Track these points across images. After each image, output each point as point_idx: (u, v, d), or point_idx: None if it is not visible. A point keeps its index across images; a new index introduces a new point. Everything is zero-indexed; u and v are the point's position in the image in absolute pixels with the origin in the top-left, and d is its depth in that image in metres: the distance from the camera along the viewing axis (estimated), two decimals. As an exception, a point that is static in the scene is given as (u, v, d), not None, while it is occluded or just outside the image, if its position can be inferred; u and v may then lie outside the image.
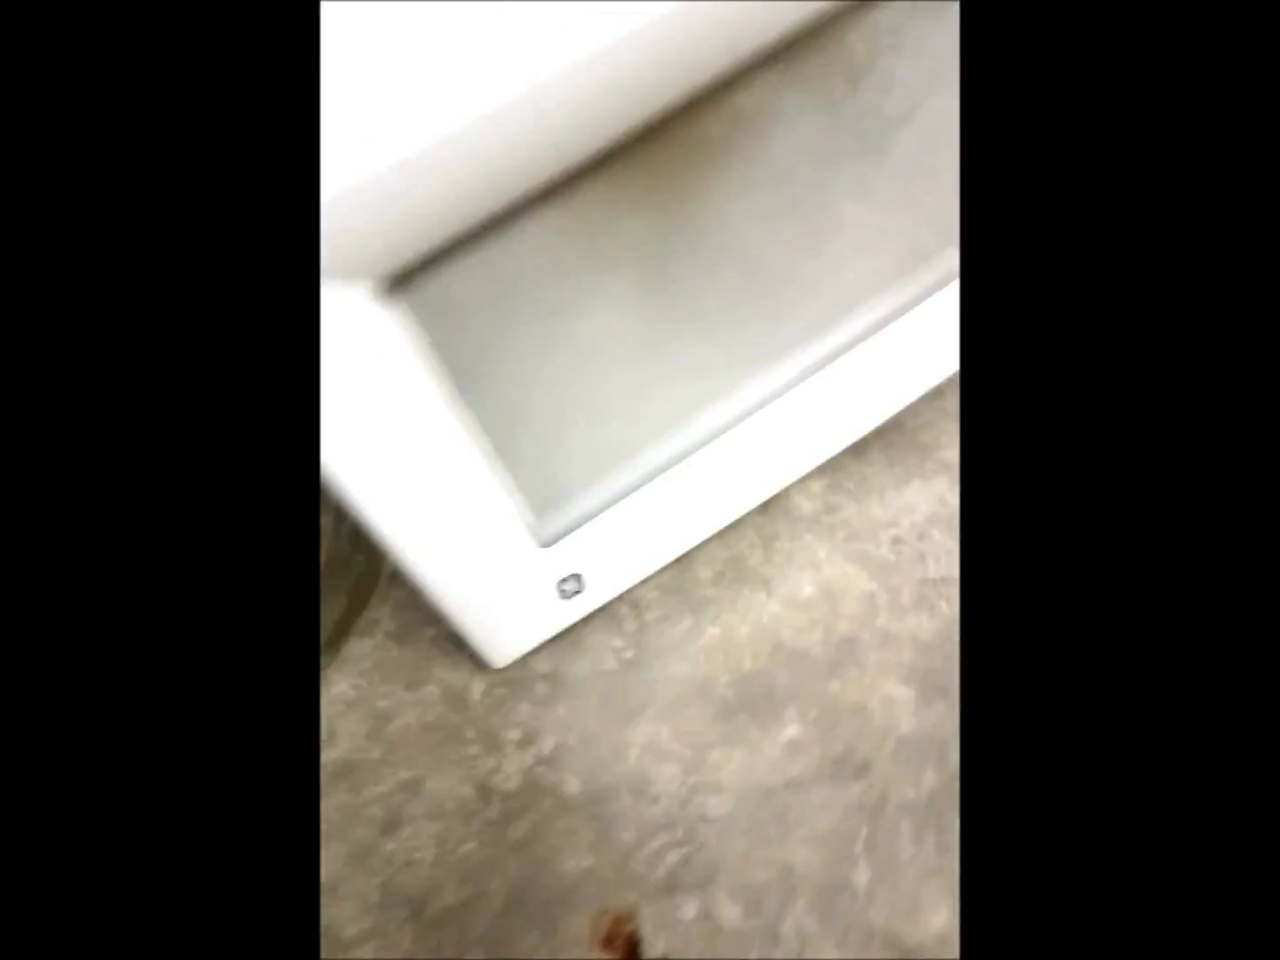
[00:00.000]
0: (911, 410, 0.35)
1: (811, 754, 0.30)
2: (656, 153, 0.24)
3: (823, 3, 0.22)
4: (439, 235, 0.21)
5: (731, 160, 0.25)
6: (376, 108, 0.18)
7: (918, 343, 0.33)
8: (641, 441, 0.31)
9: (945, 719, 0.30)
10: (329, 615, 0.38)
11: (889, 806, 0.29)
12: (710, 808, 0.30)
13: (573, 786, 0.32)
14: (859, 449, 0.35)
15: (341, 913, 0.31)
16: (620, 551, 0.33)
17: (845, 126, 0.27)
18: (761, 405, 0.31)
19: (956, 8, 0.25)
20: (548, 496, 0.30)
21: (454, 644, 0.36)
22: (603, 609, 0.34)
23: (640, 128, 0.22)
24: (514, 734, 0.33)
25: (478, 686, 0.34)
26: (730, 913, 0.28)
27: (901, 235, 0.31)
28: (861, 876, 0.28)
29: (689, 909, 0.28)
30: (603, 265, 0.26)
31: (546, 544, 0.31)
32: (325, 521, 0.39)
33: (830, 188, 0.28)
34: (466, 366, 0.25)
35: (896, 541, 0.33)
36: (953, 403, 0.35)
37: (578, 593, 0.33)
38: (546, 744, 0.33)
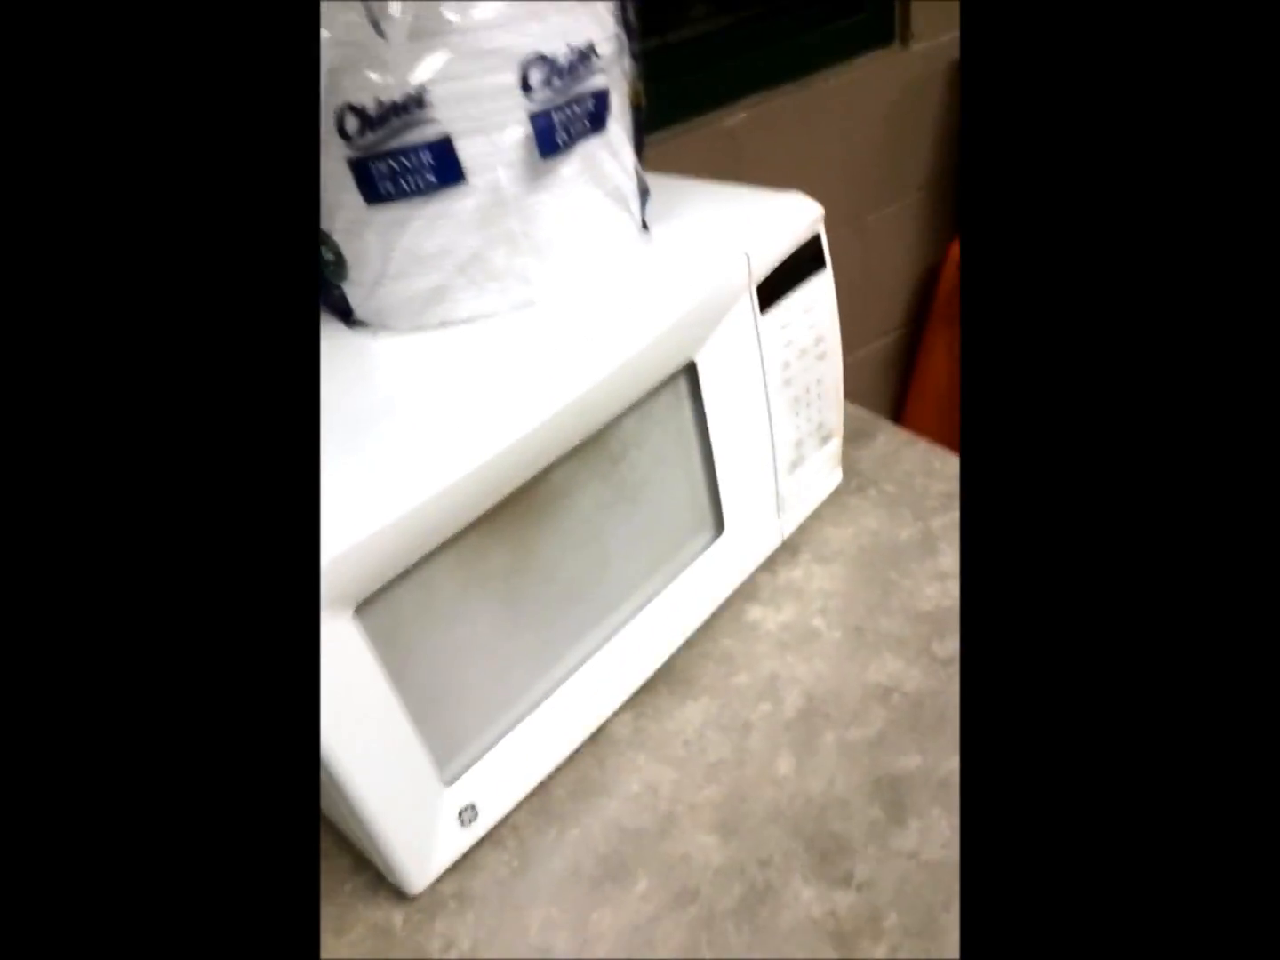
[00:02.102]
0: (678, 655, 0.53)
1: (658, 895, 0.43)
2: (510, 512, 0.42)
3: (596, 423, 0.43)
4: (385, 577, 0.37)
5: (552, 511, 0.44)
6: (354, 508, 0.35)
7: (675, 609, 0.52)
8: (511, 698, 0.46)
9: (740, 851, 0.44)
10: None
11: (716, 915, 0.42)
12: (597, 951, 0.41)
13: (490, 970, 0.41)
14: (649, 687, 0.52)
15: None
16: (502, 780, 0.46)
17: (612, 488, 0.47)
18: (584, 662, 0.48)
19: (677, 411, 0.47)
20: (448, 746, 0.44)
21: (371, 890, 0.45)
22: (489, 835, 0.46)
23: (501, 500, 0.41)
24: (436, 943, 0.43)
25: (398, 917, 0.44)
26: (626, 1021, 0.39)
27: (652, 544, 0.51)
28: (707, 955, 0.40)
29: (596, 1028, 0.39)
30: (480, 583, 0.42)
31: (450, 781, 0.44)
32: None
33: (610, 522, 0.47)
34: (394, 658, 0.39)
35: (686, 744, 0.49)
36: (705, 647, 0.54)
37: (474, 820, 0.45)
38: (465, 943, 0.42)
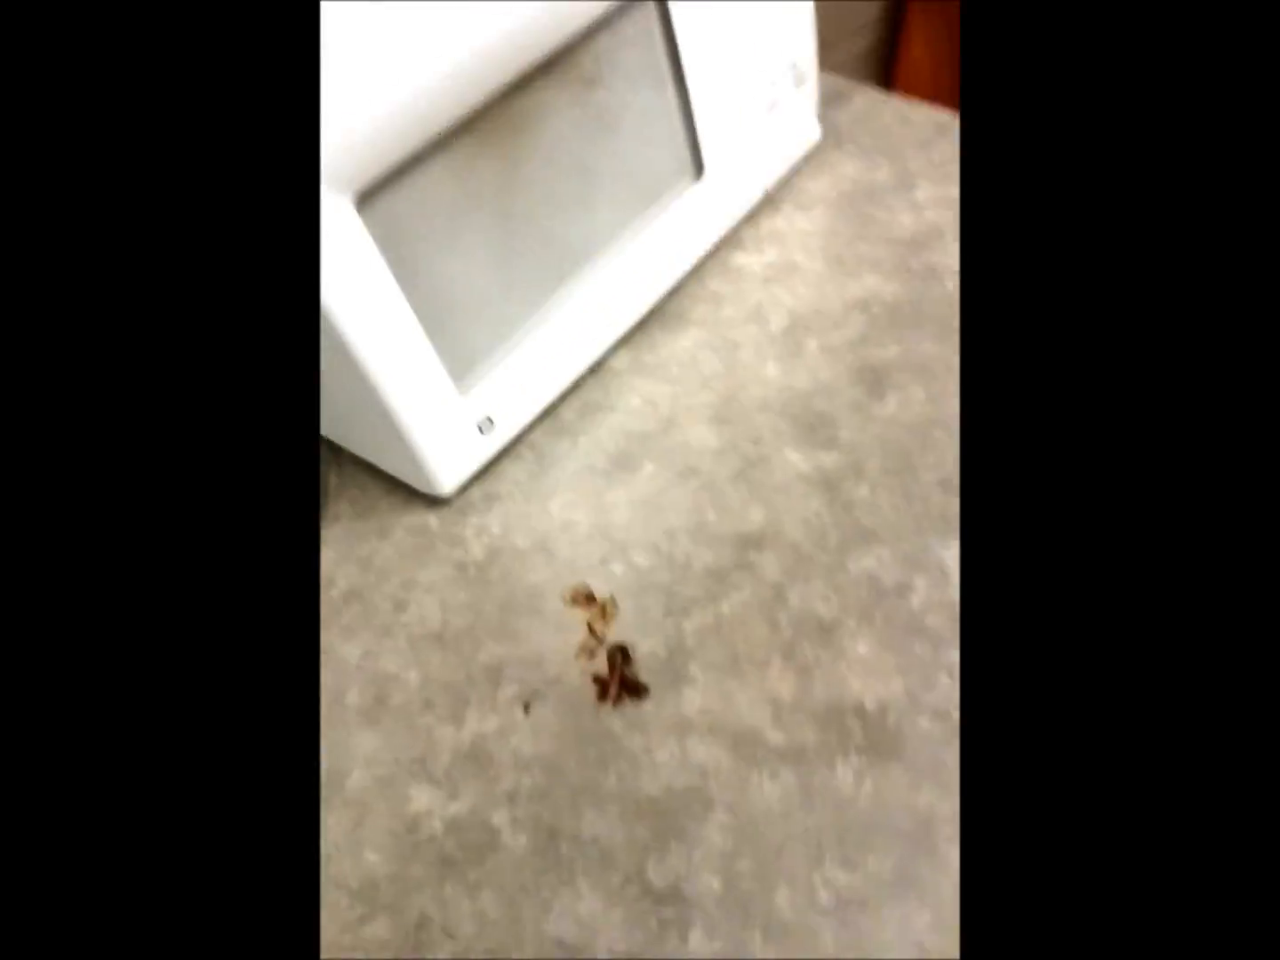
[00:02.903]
0: (668, 298, 0.56)
1: (664, 475, 0.48)
2: (496, 124, 0.43)
3: (565, 31, 0.44)
4: (385, 167, 0.39)
5: (534, 129, 0.45)
6: (357, 94, 0.37)
7: (662, 249, 0.54)
8: (515, 319, 0.49)
9: (734, 435, 0.49)
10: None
11: (716, 482, 0.47)
12: (614, 518, 0.46)
13: (522, 542, 0.47)
14: (643, 326, 0.55)
15: (386, 664, 0.43)
16: (513, 397, 0.50)
17: (590, 113, 0.48)
18: (580, 290, 0.51)
19: (648, 36, 0.48)
20: (461, 358, 0.47)
21: (405, 502, 0.50)
22: (508, 451, 0.51)
23: (483, 108, 0.42)
24: (470, 531, 0.48)
25: (433, 519, 0.49)
26: (643, 560, 0.44)
27: (636, 179, 0.52)
28: (710, 517, 0.45)
29: (618, 567, 0.44)
30: (473, 198, 0.44)
31: (465, 391, 0.47)
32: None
33: (591, 149, 0.49)
34: (401, 262, 0.42)
35: (680, 365, 0.53)
36: (693, 290, 0.57)
37: (491, 429, 0.49)
38: (495, 528, 0.48)
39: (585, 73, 0.47)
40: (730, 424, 0.49)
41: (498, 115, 0.43)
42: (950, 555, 0.41)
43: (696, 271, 0.57)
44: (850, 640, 0.39)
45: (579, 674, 0.41)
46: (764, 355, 0.52)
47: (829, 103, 0.66)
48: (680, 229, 0.55)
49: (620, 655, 0.40)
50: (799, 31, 0.57)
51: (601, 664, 0.40)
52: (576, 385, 0.53)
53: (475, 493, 0.49)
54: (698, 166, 0.55)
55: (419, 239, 0.42)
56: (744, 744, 0.37)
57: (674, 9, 0.48)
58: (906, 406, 0.47)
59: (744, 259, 0.58)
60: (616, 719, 0.39)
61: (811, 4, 0.56)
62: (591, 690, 0.40)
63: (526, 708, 0.40)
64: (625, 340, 0.54)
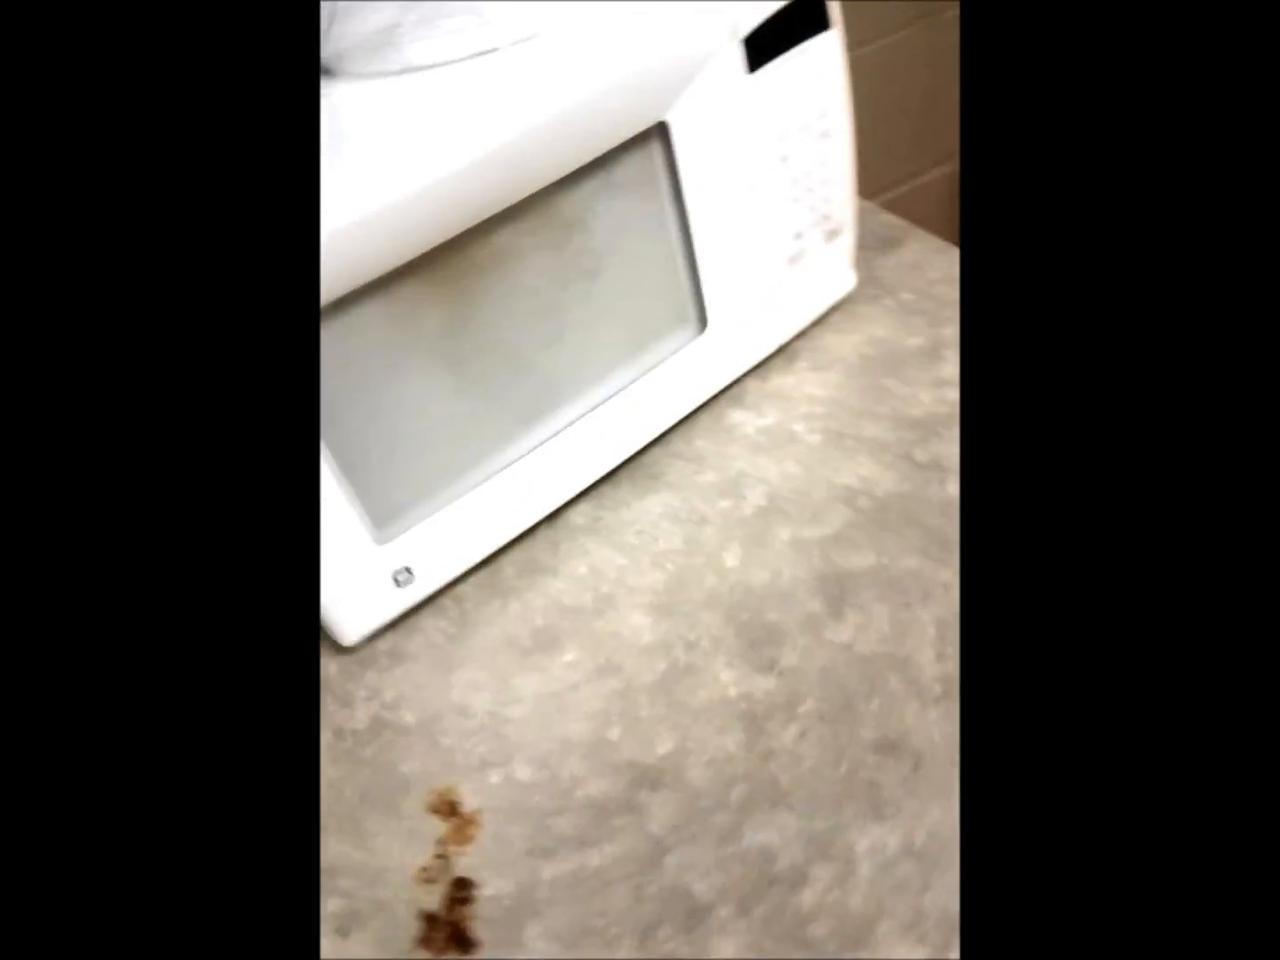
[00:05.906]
0: (647, 451, 0.51)
1: (583, 666, 0.42)
2: (446, 268, 0.40)
3: (539, 177, 0.40)
4: None
5: (493, 278, 0.42)
6: None
7: (647, 405, 0.50)
8: (455, 470, 0.45)
9: (670, 632, 0.43)
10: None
11: (633, 688, 0.41)
12: (514, 712, 0.41)
13: (409, 719, 0.42)
14: (611, 478, 0.50)
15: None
16: (441, 550, 0.46)
17: (567, 260, 0.44)
18: (540, 445, 0.46)
19: (649, 183, 0.43)
20: (382, 505, 0.43)
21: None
22: (432, 601, 0.47)
23: (433, 251, 0.39)
24: (363, 693, 0.44)
25: (333, 666, 0.45)
26: (525, 773, 0.39)
27: (619, 330, 0.48)
28: (614, 733, 0.40)
29: (496, 776, 0.39)
30: (413, 342, 0.41)
31: (385, 540, 0.44)
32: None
33: (565, 297, 0.45)
34: (324, 411, 0.39)
35: (639, 533, 0.48)
36: (677, 446, 0.51)
37: (410, 582, 0.45)
38: (389, 695, 0.43)
39: (564, 217, 0.43)
40: (670, 616, 0.43)
41: (451, 257, 0.40)
42: (864, 844, 0.34)
43: (684, 424, 0.52)
44: (718, 934, 0.32)
45: (411, 902, 0.35)
46: (729, 537, 0.46)
47: (878, 246, 0.60)
48: (672, 384, 0.50)
49: (461, 894, 0.35)
50: (833, 183, 0.51)
51: (438, 897, 0.35)
52: (525, 535, 0.48)
53: (384, 643, 0.45)
54: (700, 319, 0.50)
55: (342, 380, 0.39)
56: (560, 1049, 0.31)
57: (680, 156, 0.44)
58: (865, 634, 0.40)
59: (740, 417, 0.52)
60: (435, 973, 0.33)
61: (850, 154, 0.51)
62: (417, 928, 0.34)
63: (345, 933, 0.35)
64: (590, 490, 0.50)
